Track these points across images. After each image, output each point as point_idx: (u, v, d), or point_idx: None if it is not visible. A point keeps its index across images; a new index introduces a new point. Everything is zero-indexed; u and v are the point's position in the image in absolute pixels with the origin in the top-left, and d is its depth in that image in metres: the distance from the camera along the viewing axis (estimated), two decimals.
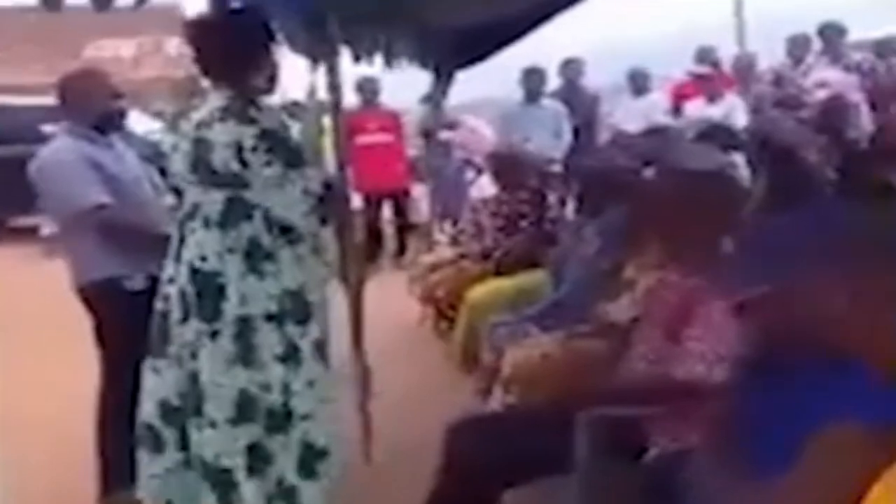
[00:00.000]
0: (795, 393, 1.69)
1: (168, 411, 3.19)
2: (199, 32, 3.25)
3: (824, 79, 7.60)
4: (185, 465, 3.18)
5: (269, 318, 3.09)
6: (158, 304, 3.22)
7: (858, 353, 1.62)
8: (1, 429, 4.28)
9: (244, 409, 3.08)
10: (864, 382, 1.59)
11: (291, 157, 3.09)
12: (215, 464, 3.10)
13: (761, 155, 4.87)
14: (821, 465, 1.59)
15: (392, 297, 6.20)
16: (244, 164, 3.04)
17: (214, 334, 3.07)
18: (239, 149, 3.03)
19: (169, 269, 3.19)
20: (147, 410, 3.23)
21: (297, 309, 3.13)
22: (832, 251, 1.63)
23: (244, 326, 3.07)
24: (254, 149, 3.03)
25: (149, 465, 3.24)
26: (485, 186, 7.09)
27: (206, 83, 3.34)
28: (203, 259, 3.08)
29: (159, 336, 3.20)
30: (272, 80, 3.30)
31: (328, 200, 3.28)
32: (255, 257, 3.08)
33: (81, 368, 3.91)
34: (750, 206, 3.72)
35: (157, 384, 3.20)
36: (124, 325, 3.61)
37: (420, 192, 9.34)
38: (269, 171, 3.05)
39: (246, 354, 3.07)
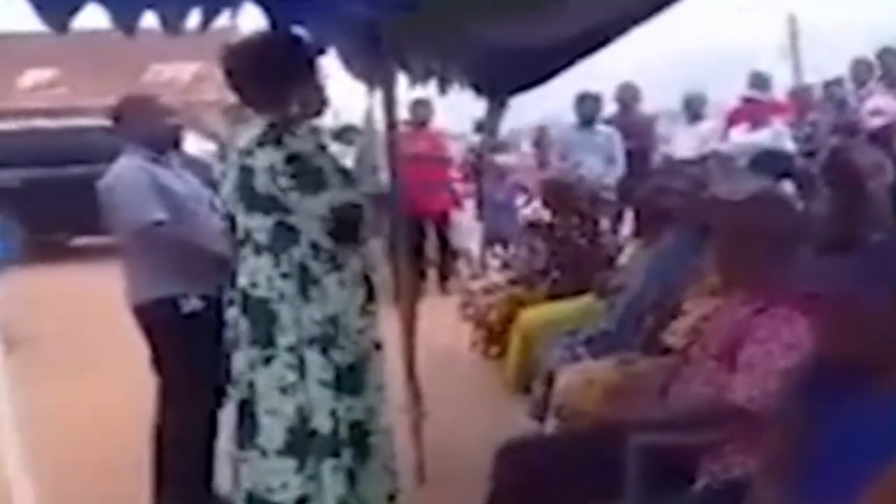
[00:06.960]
0: (871, 423, 1.65)
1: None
2: (231, 59, 3.19)
3: (879, 106, 7.48)
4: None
5: (312, 342, 3.06)
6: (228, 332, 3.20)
7: None
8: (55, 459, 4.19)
9: (295, 438, 3.06)
10: None
11: (311, 181, 3.06)
12: (265, 498, 3.07)
13: (829, 180, 4.80)
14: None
15: (440, 322, 6.17)
16: (280, 188, 3.04)
17: (268, 360, 3.07)
18: (273, 173, 3.04)
19: (228, 294, 3.19)
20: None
21: (340, 335, 3.11)
22: None
23: (297, 352, 3.06)
24: (283, 173, 3.03)
25: None
26: (536, 211, 7.08)
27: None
28: (254, 286, 3.09)
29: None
30: (322, 103, 3.27)
31: (360, 220, 3.19)
32: (304, 282, 3.08)
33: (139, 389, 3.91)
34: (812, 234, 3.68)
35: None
36: (180, 349, 3.59)
37: (468, 217, 9.31)
38: (294, 195, 3.04)
39: (300, 380, 3.06)
